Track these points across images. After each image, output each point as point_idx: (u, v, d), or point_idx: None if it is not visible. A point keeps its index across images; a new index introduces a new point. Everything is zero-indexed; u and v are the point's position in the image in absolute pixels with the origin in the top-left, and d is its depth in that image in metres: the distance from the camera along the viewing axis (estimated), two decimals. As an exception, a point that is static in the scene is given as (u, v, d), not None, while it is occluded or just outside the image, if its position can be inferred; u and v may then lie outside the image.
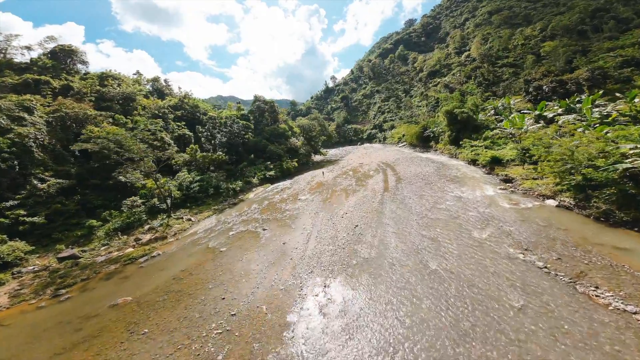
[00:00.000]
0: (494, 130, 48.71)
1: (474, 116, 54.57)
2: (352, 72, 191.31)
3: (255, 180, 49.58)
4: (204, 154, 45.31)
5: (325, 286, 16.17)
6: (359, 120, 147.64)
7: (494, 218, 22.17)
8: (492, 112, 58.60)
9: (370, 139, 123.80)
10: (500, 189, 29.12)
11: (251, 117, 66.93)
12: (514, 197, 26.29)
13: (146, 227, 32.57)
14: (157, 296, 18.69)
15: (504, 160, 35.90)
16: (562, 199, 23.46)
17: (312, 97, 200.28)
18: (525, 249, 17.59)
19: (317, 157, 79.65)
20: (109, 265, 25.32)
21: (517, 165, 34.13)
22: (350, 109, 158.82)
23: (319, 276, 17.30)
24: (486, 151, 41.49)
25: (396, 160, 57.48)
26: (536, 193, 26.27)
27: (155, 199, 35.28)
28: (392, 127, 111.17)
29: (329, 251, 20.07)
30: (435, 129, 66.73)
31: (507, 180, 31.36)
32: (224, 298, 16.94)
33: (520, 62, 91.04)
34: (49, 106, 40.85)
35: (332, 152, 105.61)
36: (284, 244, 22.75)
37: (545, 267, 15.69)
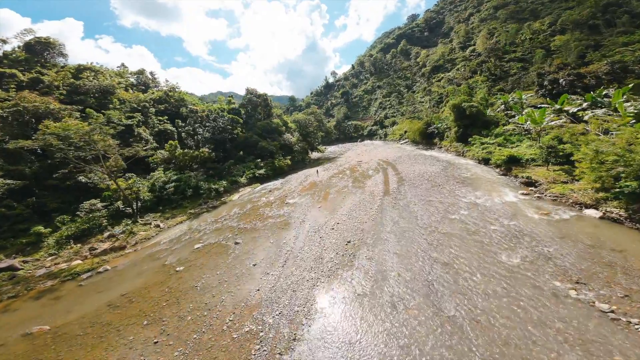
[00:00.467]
0: (507, 126, 43.58)
1: (484, 111, 49.40)
2: (352, 67, 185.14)
3: (243, 180, 44.66)
4: (185, 150, 40.40)
5: (294, 339, 11.27)
6: (359, 116, 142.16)
7: (523, 234, 17.18)
8: (502, 107, 53.32)
9: (371, 135, 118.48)
10: (523, 194, 24.10)
11: (242, 112, 61.83)
12: (543, 205, 21.28)
13: (106, 234, 27.76)
14: (79, 328, 14.42)
15: (522, 159, 30.82)
16: (607, 209, 18.43)
17: (311, 93, 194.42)
18: (577, 282, 12.69)
19: (314, 154, 74.70)
20: (46, 280, 20.79)
21: (539, 165, 29.07)
22: (350, 104, 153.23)
23: (288, 321, 12.40)
24: (500, 149, 36.38)
25: (398, 158, 52.42)
26: (570, 200, 21.26)
27: (119, 202, 30.41)
28: (394, 123, 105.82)
29: (309, 280, 15.11)
30: (440, 125, 61.54)
31: (529, 183, 26.30)
32: (156, 342, 12.32)
33: (529, 56, 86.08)
34: (6, 100, 35.96)
35: (330, 149, 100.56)
36: (253, 265, 17.80)
37: (612, 312, 10.83)
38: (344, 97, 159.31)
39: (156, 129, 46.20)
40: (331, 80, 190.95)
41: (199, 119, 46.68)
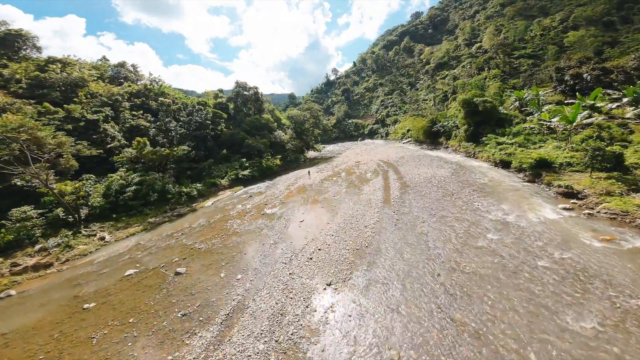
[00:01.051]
0: (523, 124, 37.63)
1: (498, 107, 43.33)
2: (354, 64, 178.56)
3: (224, 182, 38.85)
4: (155, 149, 34.61)
5: None
6: (360, 114, 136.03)
7: (589, 274, 11.32)
8: (516, 103, 47.11)
9: (372, 134, 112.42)
10: (565, 208, 18.14)
11: (231, 106, 56.01)
12: (599, 227, 15.34)
13: (37, 247, 22.05)
14: None
15: (555, 163, 24.80)
16: None
17: (312, 90, 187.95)
18: None
19: (310, 153, 68.88)
20: None
21: (578, 171, 23.07)
22: (351, 102, 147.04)
23: None
24: (522, 150, 30.39)
25: (400, 158, 46.44)
26: (638, 220, 15.33)
27: (60, 209, 24.65)
28: (396, 121, 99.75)
29: None
30: (446, 123, 55.49)
31: (569, 194, 20.31)
32: None
33: (540, 53, 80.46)
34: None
35: (329, 148, 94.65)
36: (182, 316, 11.85)
37: None
38: (344, 94, 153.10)
39: (128, 125, 40.35)
40: (332, 77, 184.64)
41: (172, 112, 40.77)
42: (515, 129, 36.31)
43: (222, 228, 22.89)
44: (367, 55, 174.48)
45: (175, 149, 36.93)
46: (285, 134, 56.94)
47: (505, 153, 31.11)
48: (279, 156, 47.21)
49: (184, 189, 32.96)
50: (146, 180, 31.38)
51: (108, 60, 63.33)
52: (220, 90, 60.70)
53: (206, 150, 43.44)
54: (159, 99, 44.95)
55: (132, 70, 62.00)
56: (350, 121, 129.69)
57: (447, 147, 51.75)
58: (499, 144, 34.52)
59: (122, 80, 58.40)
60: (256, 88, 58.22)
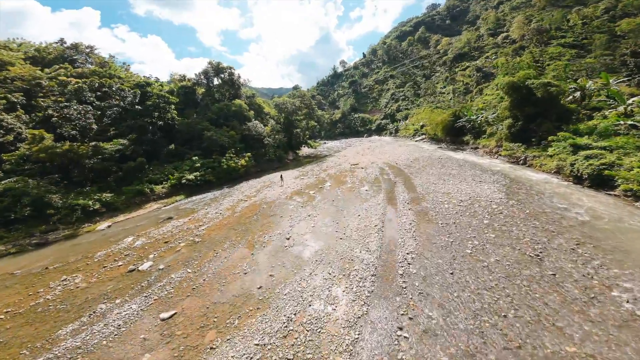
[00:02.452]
0: (592, 120, 24.32)
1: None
2: (364, 55, 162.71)
3: (160, 189, 26.60)
4: (50, 144, 22.54)
5: None
6: (368, 109, 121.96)
7: None
8: (577, 94, 32.96)
9: (380, 130, 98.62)
10: None
11: (200, 91, 43.43)
12: None
13: None
14: None
15: None
16: None
17: (317, 83, 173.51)
18: None
19: (304, 150, 56.16)
20: None
21: None
22: (359, 95, 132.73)
23: None
24: (620, 158, 17.17)
25: (414, 162, 33.23)
26: None
27: None
28: (407, 116, 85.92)
29: None
30: (474, 117, 41.92)
31: None
32: None
33: (583, 42, 66.34)
34: None
35: (329, 145, 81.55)
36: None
37: None
38: (352, 87, 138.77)
39: (44, 114, 28.10)
40: (340, 69, 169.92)
41: (70, 95, 27.87)
42: (604, 124, 22.71)
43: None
44: (378, 46, 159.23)
45: (91, 144, 24.69)
46: (267, 124, 44.17)
47: (600, 163, 17.87)
48: (248, 154, 34.17)
49: (79, 201, 20.75)
50: (14, 188, 19.31)
51: (65, 42, 51.49)
52: (183, 75, 47.91)
53: (151, 144, 31.12)
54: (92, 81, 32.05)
55: (88, 50, 49.95)
56: (356, 115, 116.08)
57: (477, 148, 38.21)
58: (576, 147, 21.15)
59: (80, 64, 46.59)
60: (231, 69, 45.21)
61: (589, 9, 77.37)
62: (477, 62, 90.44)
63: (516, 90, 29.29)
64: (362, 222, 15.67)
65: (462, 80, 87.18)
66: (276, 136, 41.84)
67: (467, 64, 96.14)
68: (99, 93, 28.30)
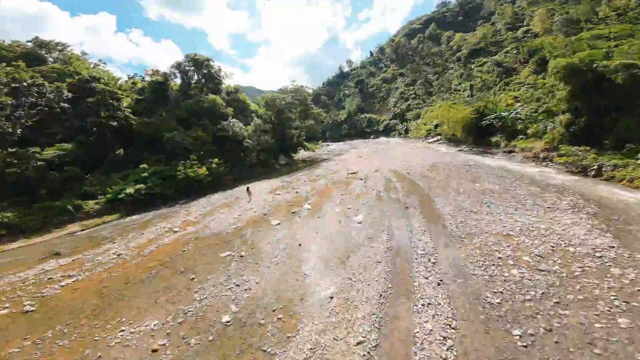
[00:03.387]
0: None
1: None
2: (371, 54, 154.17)
3: (94, 205, 19.42)
4: None
5: None
6: (375, 109, 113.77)
7: None
8: None
9: (388, 131, 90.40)
10: None
11: (174, 87, 36.20)
12: None
13: None
14: None
15: None
16: None
17: (323, 83, 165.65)
18: None
19: (302, 153, 48.44)
20: None
21: None
22: (365, 95, 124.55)
23: None
24: None
25: (430, 170, 25.22)
26: None
27: None
28: (418, 116, 77.56)
29: None
30: (507, 113, 33.56)
31: None
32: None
33: (617, 34, 57.43)
34: None
35: (332, 147, 73.71)
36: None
37: None
38: (358, 86, 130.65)
39: None
40: (346, 69, 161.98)
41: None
42: None
43: None
44: (386, 44, 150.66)
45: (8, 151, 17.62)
46: (251, 123, 36.60)
47: None
48: (216, 159, 26.26)
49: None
50: None
51: (38, 40, 45.62)
52: (156, 69, 40.84)
53: (96, 149, 23.91)
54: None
55: (60, 49, 43.93)
56: (363, 116, 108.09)
57: (512, 152, 29.86)
58: None
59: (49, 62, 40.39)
60: (209, 60, 37.54)
61: (620, 1, 68.23)
62: (496, 57, 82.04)
63: (578, 75, 21.01)
64: (336, 331, 7.71)
65: (480, 77, 78.77)
66: (261, 137, 34.07)
67: (483, 59, 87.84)
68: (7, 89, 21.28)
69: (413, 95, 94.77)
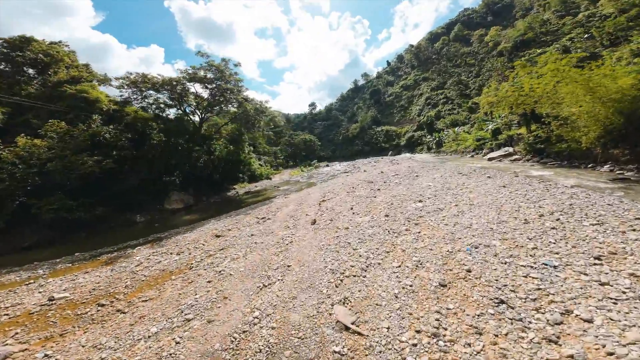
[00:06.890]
0: None
1: None
2: (388, 63, 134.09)
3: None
4: None
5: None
6: (394, 120, 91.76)
7: None
8: None
9: (412, 145, 67.32)
10: None
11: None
12: None
13: None
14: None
15: None
16: None
17: (337, 99, 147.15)
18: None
19: (251, 185, 26.69)
20: None
21: None
22: (382, 106, 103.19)
23: None
24: None
25: None
26: None
27: None
28: (455, 124, 54.32)
29: None
30: None
31: None
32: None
33: None
34: None
35: (325, 170, 51.79)
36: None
37: None
38: (374, 97, 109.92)
39: None
40: (361, 82, 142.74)
41: None
42: None
43: None
44: (405, 51, 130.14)
45: None
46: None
47: None
48: None
49: None
50: None
51: None
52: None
53: None
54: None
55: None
56: (379, 129, 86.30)
57: None
58: None
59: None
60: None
61: None
62: (557, 45, 58.92)
63: None
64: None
65: (538, 72, 54.04)
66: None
67: (536, 50, 64.32)
68: None
69: (443, 100, 71.80)
